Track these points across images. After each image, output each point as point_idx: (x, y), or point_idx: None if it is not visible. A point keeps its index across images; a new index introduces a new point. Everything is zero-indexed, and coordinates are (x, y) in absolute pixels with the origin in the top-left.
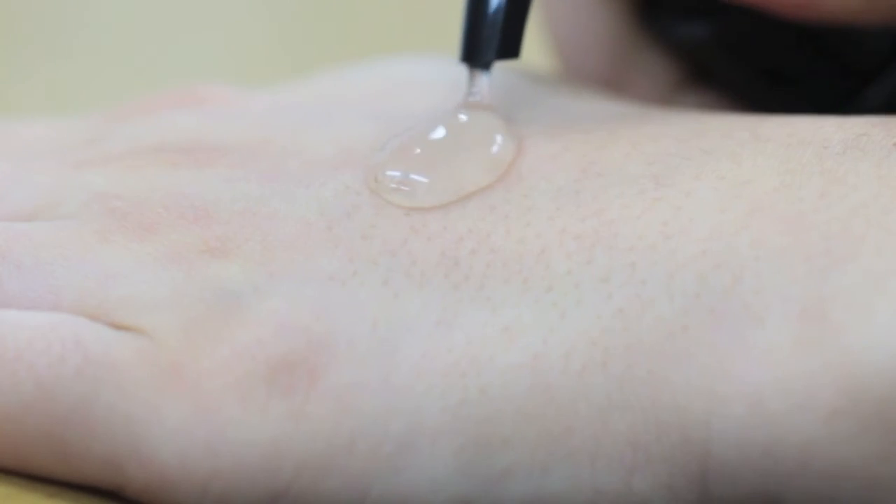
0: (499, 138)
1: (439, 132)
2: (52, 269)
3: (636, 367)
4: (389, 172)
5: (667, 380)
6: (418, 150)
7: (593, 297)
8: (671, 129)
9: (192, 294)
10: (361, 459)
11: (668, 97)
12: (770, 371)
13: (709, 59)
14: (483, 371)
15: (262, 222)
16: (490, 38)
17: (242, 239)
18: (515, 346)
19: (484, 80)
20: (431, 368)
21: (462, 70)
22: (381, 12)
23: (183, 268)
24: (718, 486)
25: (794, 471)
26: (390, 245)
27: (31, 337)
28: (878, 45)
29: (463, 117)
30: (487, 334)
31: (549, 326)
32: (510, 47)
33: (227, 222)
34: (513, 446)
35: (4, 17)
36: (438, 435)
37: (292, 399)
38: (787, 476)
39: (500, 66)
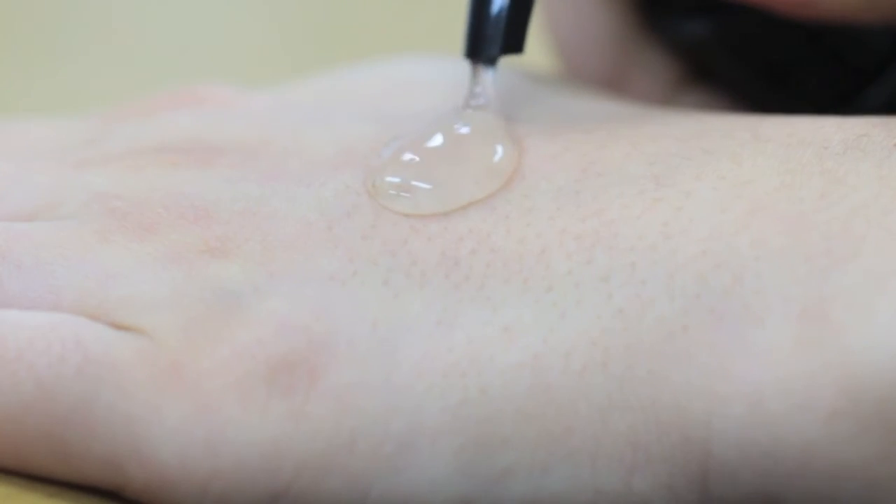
0: (500, 148)
1: (439, 138)
2: (52, 269)
3: (636, 367)
4: (388, 178)
5: (667, 380)
6: (417, 158)
7: (593, 297)
8: (671, 129)
9: (192, 294)
10: (362, 459)
11: (670, 96)
12: (770, 371)
13: (710, 57)
14: (483, 371)
15: (262, 222)
16: (494, 33)
17: (242, 239)
18: (515, 346)
19: (489, 76)
20: (432, 368)
21: (463, 70)
22: (381, 12)
23: (183, 268)
24: (718, 486)
25: (794, 471)
26: (390, 245)
27: (32, 337)
28: (878, 45)
29: (464, 122)
30: (488, 334)
31: (550, 326)
32: (514, 43)
33: (227, 222)
34: (513, 446)
35: (4, 17)
36: (439, 435)
37: (292, 399)
38: (787, 476)
39: (501, 67)
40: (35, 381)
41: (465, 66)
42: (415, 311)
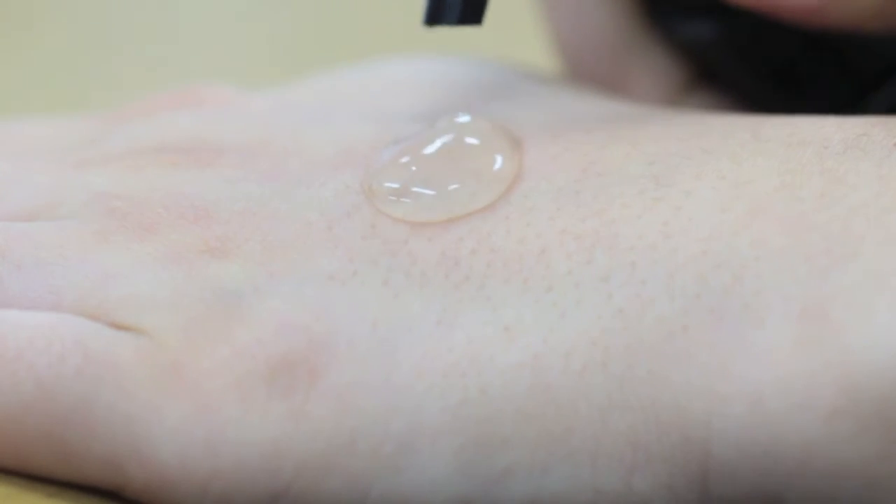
0: (499, 157)
1: (438, 144)
2: (52, 269)
3: (636, 367)
4: (386, 183)
5: (667, 380)
6: (415, 164)
7: (593, 297)
8: (672, 129)
9: (192, 294)
10: (362, 459)
11: (673, 98)
12: (770, 371)
13: (713, 59)
14: (483, 371)
15: (262, 222)
16: (453, 2)
17: (242, 239)
18: (516, 346)
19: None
20: (432, 368)
21: (462, 70)
22: (381, 13)
23: (183, 268)
24: (719, 486)
25: (794, 470)
26: (390, 245)
27: (32, 336)
28: (883, 50)
29: (464, 129)
30: (488, 334)
31: (550, 326)
32: (473, 13)
33: (227, 222)
34: (513, 446)
35: (4, 17)
36: (438, 435)
37: (292, 399)
38: (787, 475)
39: (501, 67)
40: (35, 380)
41: (465, 66)
42: (415, 310)
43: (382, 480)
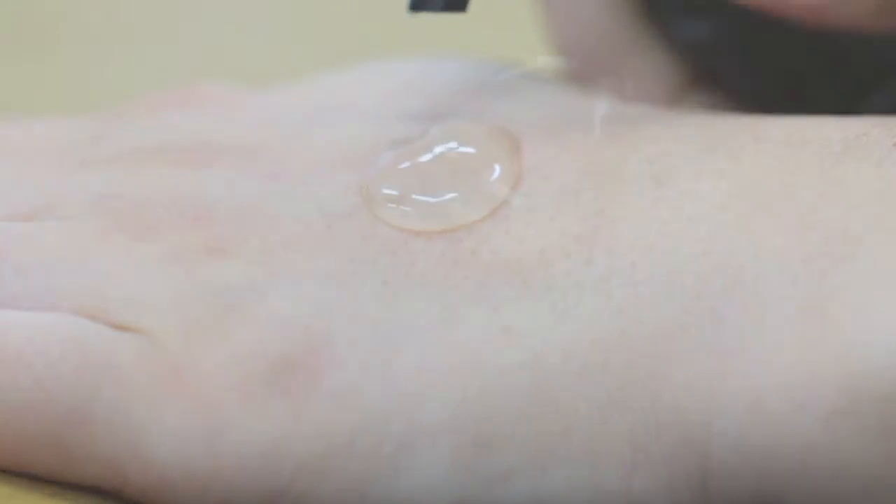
0: (497, 167)
1: (436, 151)
2: (51, 269)
3: (636, 367)
4: (383, 190)
5: (667, 380)
6: (413, 172)
7: (593, 297)
8: (672, 129)
9: (192, 294)
10: (361, 459)
11: (673, 98)
12: (770, 371)
13: (714, 59)
14: (483, 371)
15: (261, 222)
16: None
17: (242, 239)
18: (515, 346)
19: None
20: (431, 368)
21: (461, 70)
22: (381, 13)
23: (183, 268)
24: (718, 487)
25: (794, 470)
26: (390, 245)
27: (31, 337)
28: (884, 49)
29: (463, 135)
30: (487, 334)
31: (550, 326)
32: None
33: (226, 222)
34: (513, 446)
35: (4, 17)
36: (438, 434)
37: (292, 399)
38: (787, 476)
39: (501, 66)
40: (35, 381)
41: (464, 66)
42: (415, 310)
43: (382, 480)
